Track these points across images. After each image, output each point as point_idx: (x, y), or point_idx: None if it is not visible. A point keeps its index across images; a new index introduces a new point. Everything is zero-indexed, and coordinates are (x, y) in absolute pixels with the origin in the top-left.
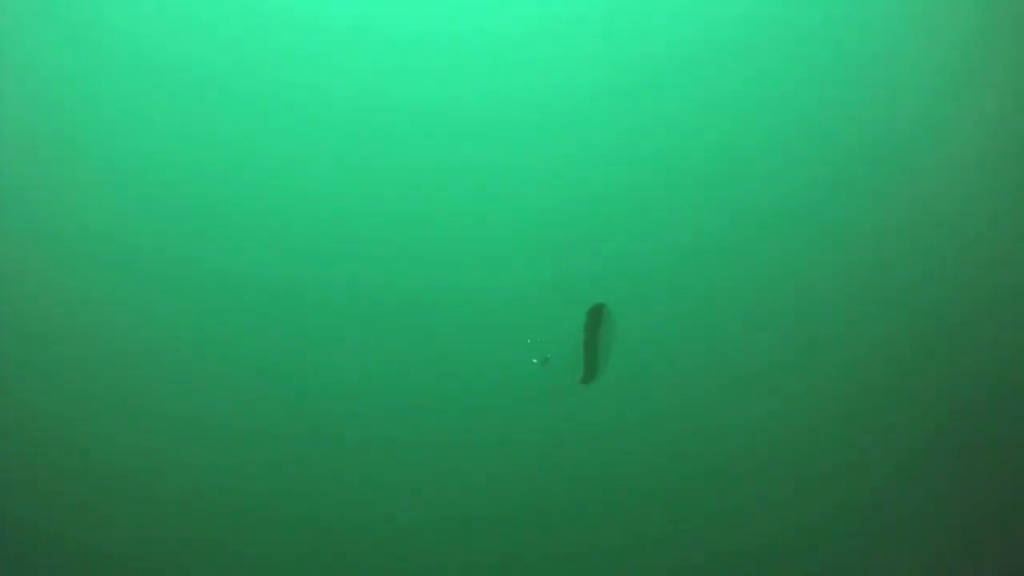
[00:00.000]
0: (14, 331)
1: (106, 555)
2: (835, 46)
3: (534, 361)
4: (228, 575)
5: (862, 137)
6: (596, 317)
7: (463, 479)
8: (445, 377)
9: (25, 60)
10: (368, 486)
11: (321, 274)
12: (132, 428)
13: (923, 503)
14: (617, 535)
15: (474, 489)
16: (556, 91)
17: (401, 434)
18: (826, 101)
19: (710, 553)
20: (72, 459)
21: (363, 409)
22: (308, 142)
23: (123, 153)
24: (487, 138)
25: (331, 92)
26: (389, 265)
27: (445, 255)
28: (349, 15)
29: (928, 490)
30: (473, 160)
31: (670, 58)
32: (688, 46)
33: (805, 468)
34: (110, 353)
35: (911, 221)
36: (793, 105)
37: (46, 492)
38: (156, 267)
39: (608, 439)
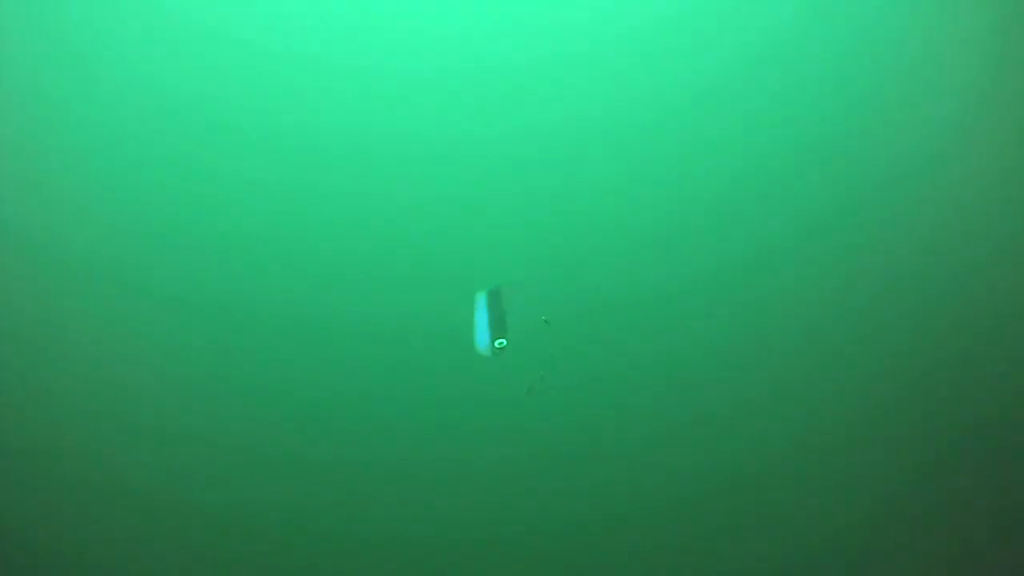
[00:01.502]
0: (15, 346)
1: (106, 570)
2: (859, 61)
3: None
4: None
5: (884, 151)
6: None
7: (465, 497)
8: (447, 395)
9: (23, 82)
10: (370, 504)
11: (321, 293)
12: (131, 443)
13: (937, 515)
14: (625, 550)
15: (480, 505)
16: (574, 113)
17: (404, 452)
18: (844, 117)
19: (719, 567)
20: (70, 473)
21: (364, 427)
22: (311, 166)
23: (127, 172)
24: (503, 162)
25: (335, 119)
26: (392, 286)
27: (454, 278)
28: (351, 46)
29: (943, 501)
30: (489, 180)
31: (693, 79)
32: (710, 68)
33: (818, 480)
34: (112, 369)
35: (930, 235)
36: (812, 122)
37: (46, 507)
38: (158, 285)
39: (621, 452)
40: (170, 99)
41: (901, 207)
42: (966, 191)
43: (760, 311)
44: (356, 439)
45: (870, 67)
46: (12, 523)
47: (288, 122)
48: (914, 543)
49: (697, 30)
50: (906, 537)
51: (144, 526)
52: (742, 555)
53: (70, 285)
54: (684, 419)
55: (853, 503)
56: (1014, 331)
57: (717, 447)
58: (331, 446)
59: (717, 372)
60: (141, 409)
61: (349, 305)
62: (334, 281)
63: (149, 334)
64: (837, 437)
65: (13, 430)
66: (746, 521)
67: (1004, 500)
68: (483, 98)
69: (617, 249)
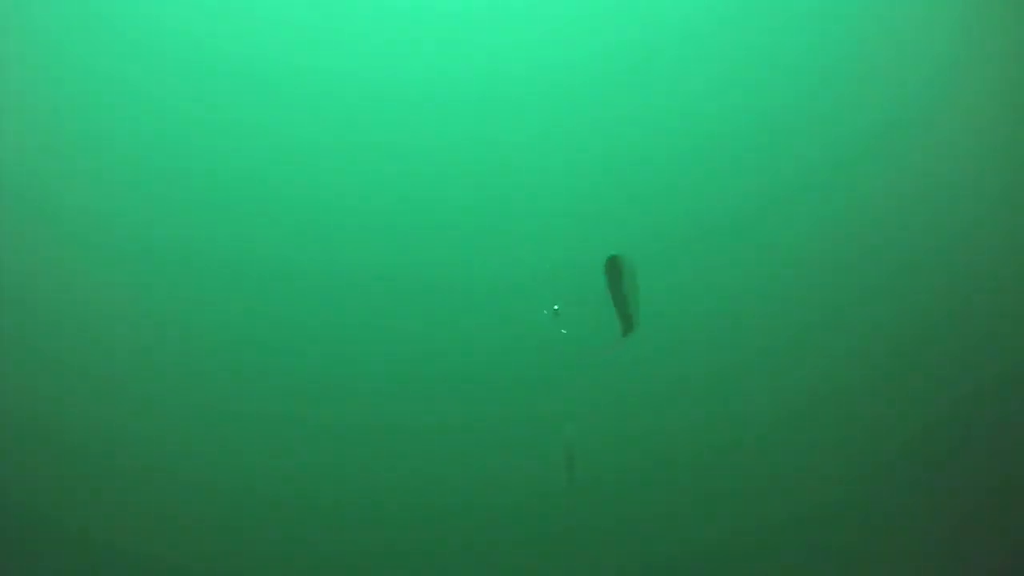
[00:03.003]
0: (19, 319)
1: (107, 544)
2: (827, 35)
3: (555, 309)
4: (228, 561)
5: (858, 125)
6: (614, 270)
7: (459, 469)
8: (447, 366)
9: (32, 48)
10: (371, 475)
11: (326, 262)
12: (134, 417)
13: (918, 493)
14: (606, 522)
15: (471, 478)
16: (557, 77)
17: (404, 423)
18: (818, 91)
19: (703, 539)
20: (72, 447)
21: (367, 398)
22: (317, 132)
23: (130, 143)
24: (489, 124)
25: (338, 80)
26: (396, 251)
27: (450, 240)
28: (357, 7)
29: (924, 479)
30: (474, 146)
31: (665, 46)
32: (682, 35)
33: (799, 457)
34: (113, 342)
35: (906, 210)
36: (784, 96)
37: (47, 480)
38: (160, 256)
39: (599, 429)
40: (166, 52)
41: (871, 179)
42: (941, 161)
43: (726, 287)
44: (363, 412)
45: (837, 35)
46: (18, 500)
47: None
48: (910, 515)
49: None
50: (902, 508)
51: (152, 499)
52: (733, 521)
53: (72, 258)
54: (649, 395)
55: (846, 473)
56: (994, 309)
57: (685, 423)
58: (343, 416)
59: (681, 349)
60: (145, 385)
61: (356, 272)
62: (345, 246)
63: (157, 304)
64: (809, 417)
65: (15, 407)
66: (714, 497)
67: (999, 474)
68: (472, 53)
69: (574, 226)
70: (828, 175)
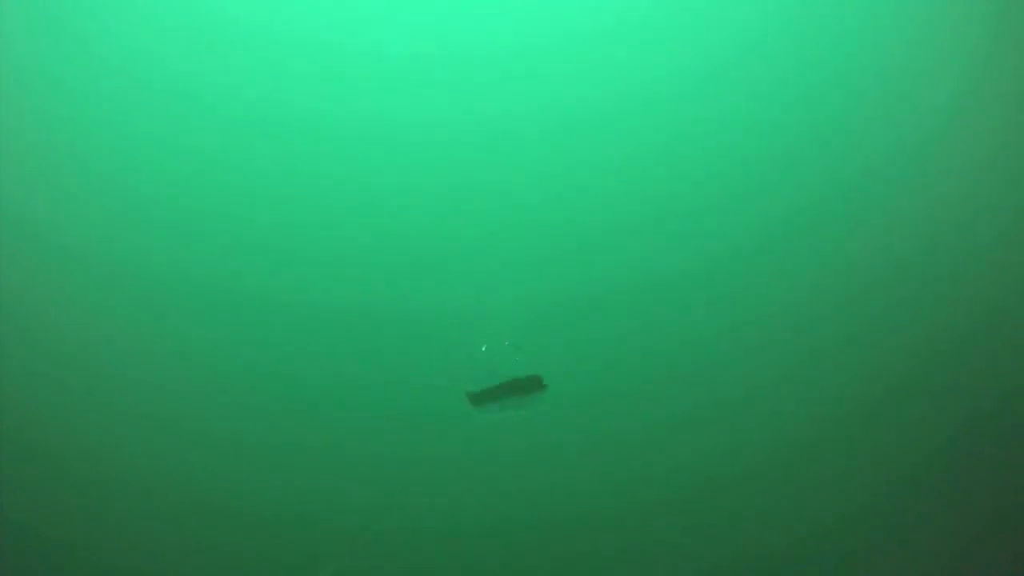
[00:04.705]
0: (15, 338)
1: (103, 558)
2: (847, 59)
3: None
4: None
5: (875, 146)
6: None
7: (459, 488)
8: (442, 388)
9: (27, 72)
10: (361, 493)
11: (317, 286)
12: (128, 433)
13: (934, 508)
14: (623, 543)
15: (474, 499)
16: (565, 104)
17: (394, 442)
18: (836, 113)
19: (720, 559)
20: (66, 463)
21: (357, 418)
22: (311, 157)
23: (128, 166)
24: (499, 151)
25: (333, 108)
26: (386, 278)
27: (451, 268)
28: (355, 32)
29: (939, 494)
30: (480, 173)
31: (681, 72)
32: (702, 61)
33: (815, 473)
34: (108, 361)
35: (922, 228)
36: (802, 118)
37: (44, 495)
38: (155, 277)
39: (611, 448)
40: (162, 79)
41: (890, 199)
42: (956, 182)
43: (749, 305)
44: (354, 432)
45: (860, 59)
46: (16, 517)
47: (292, 114)
48: (907, 539)
49: (687, 18)
50: (900, 532)
51: (148, 518)
52: (734, 548)
53: (68, 276)
54: (674, 415)
55: (845, 498)
56: (1008, 324)
57: (708, 442)
58: (333, 438)
59: (707, 367)
60: (144, 403)
61: (346, 297)
62: (334, 273)
63: (150, 328)
64: (829, 432)
65: (15, 425)
66: (737, 515)
67: (999, 498)
68: (476, 89)
69: (605, 242)
70: (846, 196)
